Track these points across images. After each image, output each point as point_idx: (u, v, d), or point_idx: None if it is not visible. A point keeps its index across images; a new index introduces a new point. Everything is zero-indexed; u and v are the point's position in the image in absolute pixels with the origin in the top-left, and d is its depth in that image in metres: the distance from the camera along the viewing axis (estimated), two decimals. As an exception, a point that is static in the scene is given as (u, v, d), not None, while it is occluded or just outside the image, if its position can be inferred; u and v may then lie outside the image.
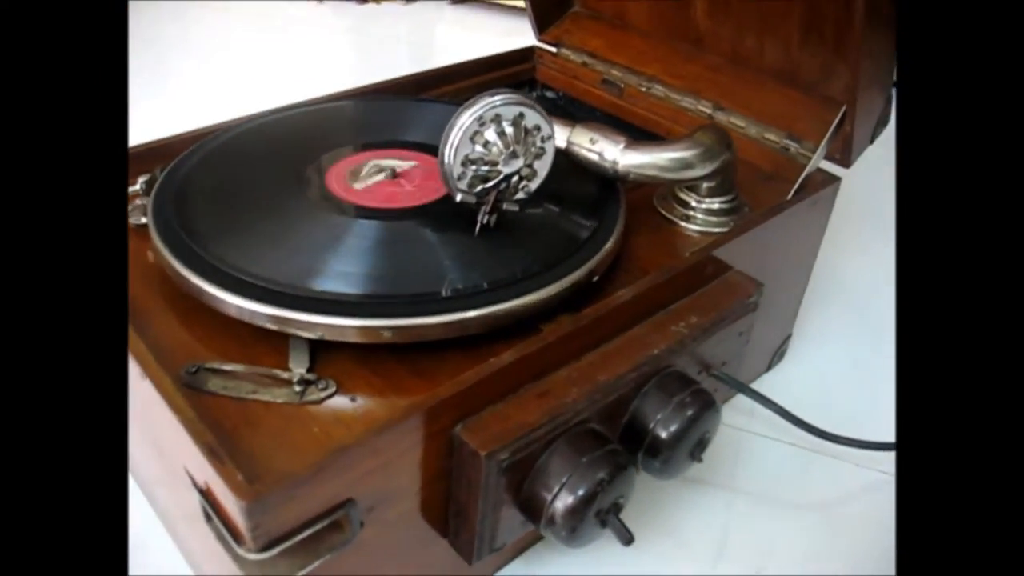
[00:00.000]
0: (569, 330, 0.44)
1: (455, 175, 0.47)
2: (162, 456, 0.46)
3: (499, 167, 0.47)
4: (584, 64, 0.77)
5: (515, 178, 0.48)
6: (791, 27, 0.63)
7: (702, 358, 0.51)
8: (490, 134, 0.46)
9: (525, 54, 0.80)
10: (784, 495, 0.60)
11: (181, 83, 1.20)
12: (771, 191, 0.63)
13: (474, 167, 0.47)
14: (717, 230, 0.58)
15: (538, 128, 0.47)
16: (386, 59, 1.34)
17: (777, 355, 0.71)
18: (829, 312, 0.79)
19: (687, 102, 0.70)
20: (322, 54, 1.35)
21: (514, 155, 0.47)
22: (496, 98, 0.46)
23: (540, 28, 0.79)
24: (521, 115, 0.47)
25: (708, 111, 0.69)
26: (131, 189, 0.54)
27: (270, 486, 0.34)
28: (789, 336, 0.72)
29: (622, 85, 0.74)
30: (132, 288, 0.49)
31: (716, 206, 0.58)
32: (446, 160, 0.46)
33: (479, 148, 0.46)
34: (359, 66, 1.32)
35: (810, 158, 0.63)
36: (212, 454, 0.36)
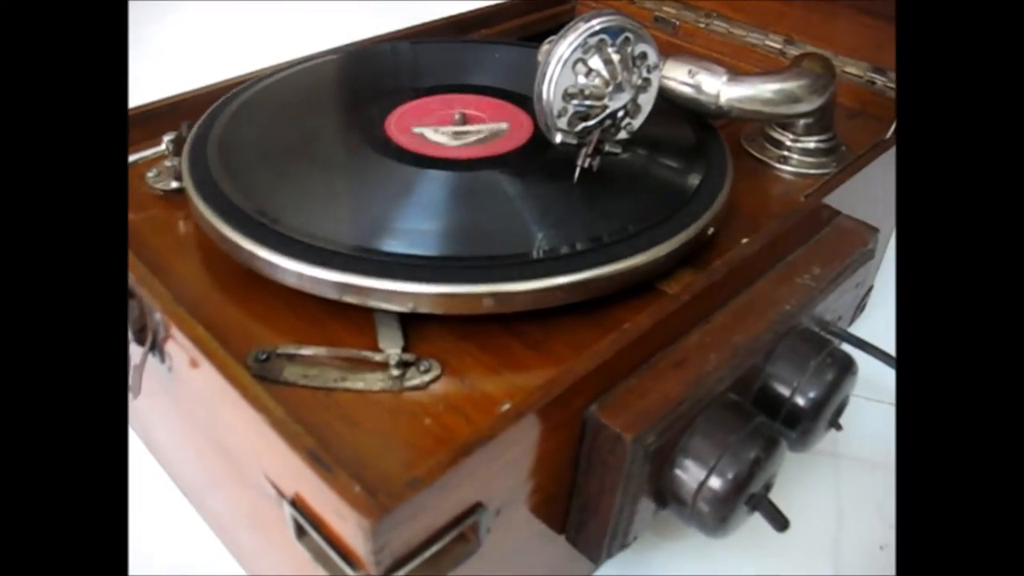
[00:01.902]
0: (702, 287, 0.38)
1: (555, 112, 0.40)
2: (226, 457, 0.39)
3: (604, 101, 0.40)
4: (631, 1, 0.70)
5: (619, 115, 0.41)
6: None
7: (822, 314, 0.45)
8: (595, 62, 0.39)
9: (563, -7, 0.72)
10: (893, 458, 0.55)
11: (159, 45, 1.10)
12: (860, 129, 0.57)
13: (575, 102, 0.40)
14: (815, 172, 0.52)
15: (644, 56, 0.41)
16: (376, 9, 1.24)
17: (858, 309, 0.66)
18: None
19: (753, 37, 0.64)
20: (305, 8, 1.25)
21: (620, 87, 0.40)
22: (595, 21, 0.39)
23: (579, -36, 0.72)
24: (627, 40, 0.40)
25: (779, 46, 0.63)
26: (154, 151, 0.46)
27: (398, 498, 0.28)
28: (871, 288, 0.66)
29: (676, 22, 0.67)
30: (167, 262, 0.42)
31: (813, 145, 0.52)
32: (545, 96, 0.39)
33: (581, 79, 0.39)
34: (351, 19, 1.23)
35: (900, 91, 0.57)
36: (317, 462, 0.29)
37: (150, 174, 0.46)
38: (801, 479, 0.53)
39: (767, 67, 0.62)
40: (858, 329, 0.64)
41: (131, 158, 0.47)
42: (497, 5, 0.67)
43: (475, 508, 0.31)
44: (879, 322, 0.65)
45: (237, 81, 0.52)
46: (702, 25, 0.66)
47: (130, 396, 0.42)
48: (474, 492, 0.31)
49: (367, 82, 0.52)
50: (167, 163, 0.45)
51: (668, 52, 0.65)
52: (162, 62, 1.04)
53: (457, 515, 0.31)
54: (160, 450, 0.51)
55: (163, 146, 0.45)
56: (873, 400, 0.59)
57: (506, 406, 0.33)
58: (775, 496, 0.39)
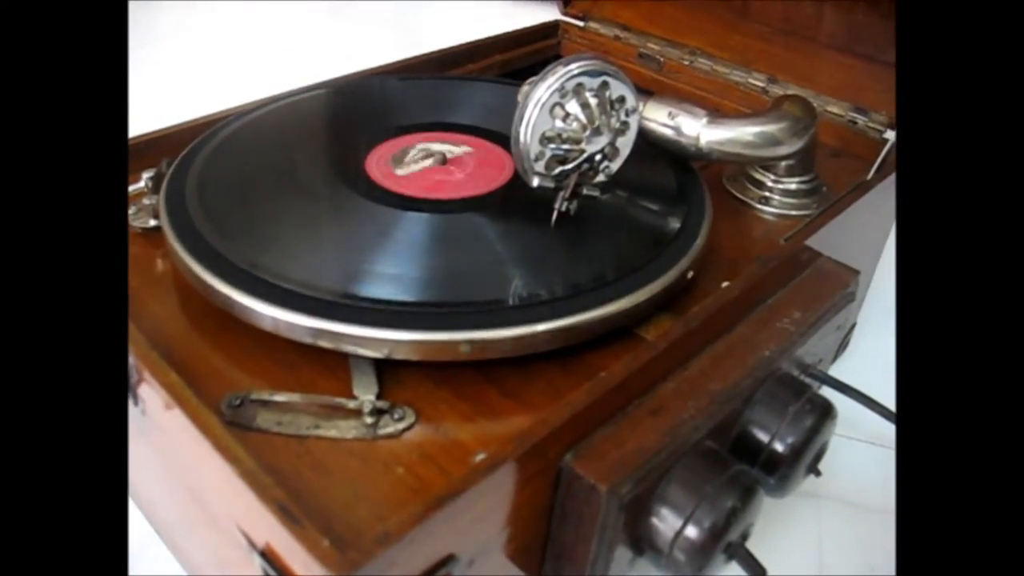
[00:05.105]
0: (680, 335, 0.38)
1: (532, 156, 0.40)
2: (198, 502, 0.38)
3: (582, 145, 0.40)
4: (616, 38, 0.70)
5: (597, 158, 0.41)
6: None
7: (802, 357, 0.45)
8: (572, 106, 0.39)
9: (549, 29, 0.73)
10: (874, 498, 0.55)
11: (146, 75, 1.10)
12: (841, 168, 0.57)
13: (552, 146, 0.40)
14: (796, 213, 0.52)
15: (623, 100, 0.41)
16: (366, 42, 1.25)
17: (841, 346, 0.66)
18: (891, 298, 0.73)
19: (737, 75, 0.64)
20: (297, 37, 1.26)
21: (598, 131, 0.40)
22: (574, 65, 0.39)
23: (565, 1, 0.72)
24: (605, 84, 0.40)
25: (761, 84, 0.63)
26: (134, 188, 0.46)
27: (367, 554, 0.27)
28: (853, 325, 0.66)
29: (661, 59, 0.68)
30: (143, 302, 0.41)
31: (794, 187, 0.52)
32: (522, 139, 0.39)
33: (559, 123, 0.40)
34: (342, 50, 1.24)
35: (881, 131, 0.58)
36: (286, 515, 0.28)
37: (129, 211, 0.46)
38: (782, 521, 0.52)
39: (750, 105, 0.63)
40: (842, 366, 0.65)
41: (110, 195, 0.47)
42: (482, 40, 0.67)
43: (447, 560, 0.31)
44: (863, 360, 0.66)
45: (218, 116, 0.52)
46: (686, 62, 0.66)
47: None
48: (446, 544, 0.31)
49: (348, 120, 0.52)
50: (145, 200, 0.45)
51: (652, 89, 0.65)
52: (148, 90, 1.04)
53: (429, 567, 0.30)
54: (134, 489, 0.51)
55: (142, 183, 0.45)
56: (854, 439, 0.59)
57: (480, 456, 0.33)
58: (756, 537, 0.38)
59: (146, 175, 0.45)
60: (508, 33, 0.70)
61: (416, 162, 0.46)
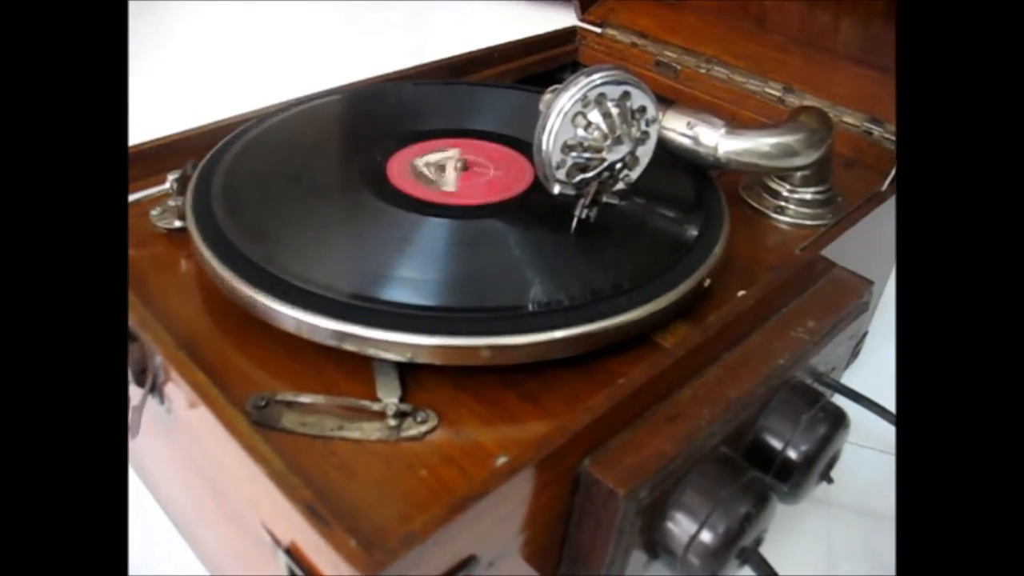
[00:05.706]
0: (697, 342, 0.38)
1: (554, 164, 0.40)
2: (221, 499, 0.39)
3: (603, 154, 0.41)
4: (633, 45, 0.71)
5: (617, 166, 0.42)
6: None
7: (816, 366, 0.46)
8: (594, 116, 0.40)
9: (567, 35, 0.73)
10: (885, 505, 0.56)
11: (162, 78, 1.11)
12: (855, 178, 0.58)
13: (574, 154, 0.40)
14: (811, 223, 0.53)
15: (643, 110, 0.41)
16: (381, 46, 1.26)
17: (853, 354, 0.66)
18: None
19: (753, 84, 0.65)
20: (310, 41, 1.27)
21: (619, 140, 0.41)
22: (596, 76, 0.40)
23: (583, 7, 0.73)
24: (626, 94, 0.41)
25: (778, 93, 0.64)
26: (160, 188, 0.46)
27: (393, 554, 0.28)
28: (865, 334, 0.67)
29: (678, 67, 0.68)
30: (168, 302, 0.42)
31: (810, 196, 0.53)
32: (544, 147, 0.40)
33: (580, 132, 0.40)
34: (355, 54, 1.25)
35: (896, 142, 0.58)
36: (313, 515, 0.29)
37: (154, 212, 0.46)
38: (793, 527, 0.53)
39: (766, 114, 0.63)
40: (853, 374, 0.65)
41: (136, 195, 0.48)
42: (500, 45, 0.68)
43: (468, 561, 0.32)
44: (874, 368, 0.66)
45: (243, 119, 0.52)
46: (703, 71, 0.67)
47: (128, 436, 0.42)
48: (468, 545, 0.31)
49: (370, 124, 0.53)
50: (171, 202, 0.46)
51: (670, 96, 0.66)
52: (160, 92, 1.05)
53: (450, 568, 0.31)
54: (155, 484, 0.51)
55: (167, 184, 0.46)
56: (866, 447, 0.59)
57: (502, 460, 0.33)
58: (768, 543, 0.39)
59: (171, 176, 0.46)
60: (526, 39, 0.70)
61: (438, 169, 0.47)
